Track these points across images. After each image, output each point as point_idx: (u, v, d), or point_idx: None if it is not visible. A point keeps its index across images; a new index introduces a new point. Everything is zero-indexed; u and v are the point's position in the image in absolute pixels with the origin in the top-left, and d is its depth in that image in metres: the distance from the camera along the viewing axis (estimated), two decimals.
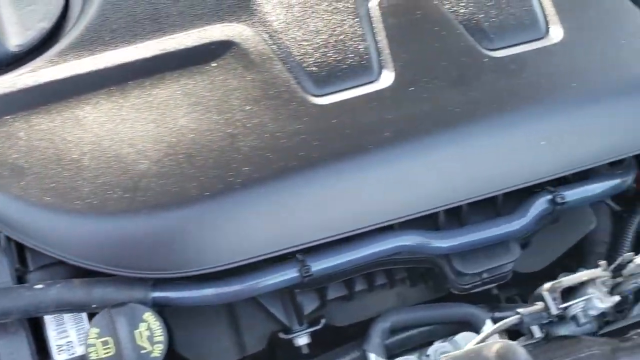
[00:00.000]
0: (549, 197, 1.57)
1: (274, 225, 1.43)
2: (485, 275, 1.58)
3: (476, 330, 1.52)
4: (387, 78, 1.54)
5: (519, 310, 1.37)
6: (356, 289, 1.67)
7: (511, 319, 1.35)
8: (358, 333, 1.61)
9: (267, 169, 1.42)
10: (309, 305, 1.64)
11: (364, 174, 1.46)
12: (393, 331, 1.60)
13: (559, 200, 1.56)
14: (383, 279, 1.68)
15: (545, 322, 1.36)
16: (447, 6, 1.65)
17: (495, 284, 1.62)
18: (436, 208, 1.50)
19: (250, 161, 1.42)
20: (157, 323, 1.38)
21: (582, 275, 1.38)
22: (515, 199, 1.58)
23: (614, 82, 1.57)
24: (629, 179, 1.69)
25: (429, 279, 1.69)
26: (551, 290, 1.35)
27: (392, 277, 1.67)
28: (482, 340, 1.30)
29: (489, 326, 1.50)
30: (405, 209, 1.48)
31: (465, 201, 1.51)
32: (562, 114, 1.55)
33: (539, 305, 1.36)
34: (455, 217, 1.57)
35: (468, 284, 1.58)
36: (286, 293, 1.59)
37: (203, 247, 1.41)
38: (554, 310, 1.34)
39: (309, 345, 1.62)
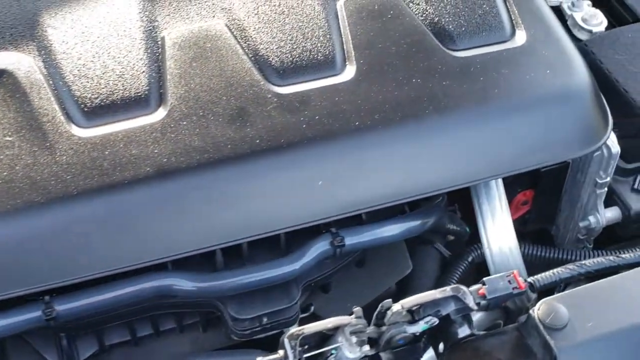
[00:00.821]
0: (330, 239, 1.50)
1: (17, 263, 1.35)
2: (265, 320, 1.50)
3: None
4: (161, 111, 1.48)
5: (258, 358, 1.28)
6: (140, 334, 1.59)
7: None
8: None
9: (10, 203, 1.35)
10: (87, 349, 1.56)
11: (121, 212, 1.39)
12: None
13: (337, 242, 1.49)
14: (172, 323, 1.60)
15: None
16: (240, 40, 1.59)
17: (280, 330, 1.54)
18: (206, 248, 1.43)
19: None
20: None
21: (327, 322, 1.31)
22: (300, 240, 1.51)
23: (399, 123, 1.50)
24: (430, 221, 1.62)
25: (223, 325, 1.61)
26: (291, 338, 1.27)
27: (181, 321, 1.59)
28: None
29: None
30: (169, 249, 1.41)
31: (238, 241, 1.44)
32: (341, 155, 1.48)
33: (280, 353, 1.28)
34: (237, 257, 1.50)
35: (247, 330, 1.50)
36: (57, 336, 1.52)
37: None
38: (292, 359, 1.26)
39: None
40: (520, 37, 1.64)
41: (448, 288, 1.35)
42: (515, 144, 1.56)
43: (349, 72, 1.56)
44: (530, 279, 1.40)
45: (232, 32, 1.60)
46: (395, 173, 1.50)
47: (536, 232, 2.00)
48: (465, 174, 1.54)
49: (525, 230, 2.00)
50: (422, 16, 1.66)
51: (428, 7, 1.67)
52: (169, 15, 1.63)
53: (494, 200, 1.64)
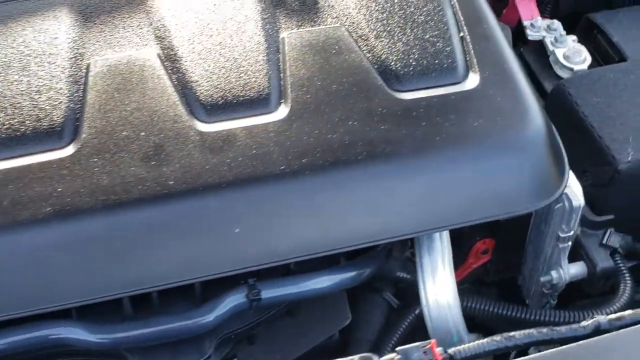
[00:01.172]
0: (246, 291, 1.40)
1: None
2: None
3: None
4: (73, 146, 1.39)
5: None
6: None
7: None
8: None
9: None
10: None
11: (18, 255, 1.30)
12: None
13: (252, 296, 1.38)
14: None
15: None
16: (170, 71, 1.50)
17: None
18: (111, 296, 1.33)
19: None
20: None
21: None
22: (216, 291, 1.42)
23: (328, 169, 1.39)
24: (367, 271, 1.52)
25: None
26: None
27: None
28: None
29: None
30: (71, 296, 1.32)
31: (146, 290, 1.35)
32: (262, 201, 1.37)
33: None
34: (147, 307, 1.41)
35: None
36: None
37: None
38: None
39: None
40: (473, 80, 1.52)
41: (356, 357, 1.24)
42: (458, 195, 1.44)
43: (283, 110, 1.46)
44: (451, 350, 1.27)
45: (163, 63, 1.51)
46: (320, 222, 1.39)
47: (506, 281, 1.89)
48: (399, 226, 1.42)
49: (488, 280, 1.89)
50: (369, 53, 1.55)
51: (377, 43, 1.56)
52: (99, 41, 1.55)
53: (435, 253, 1.52)
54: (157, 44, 1.54)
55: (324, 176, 1.39)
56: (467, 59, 1.55)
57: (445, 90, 1.50)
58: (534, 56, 2.05)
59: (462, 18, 1.61)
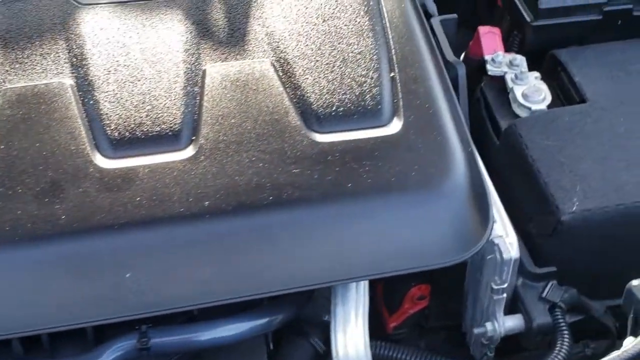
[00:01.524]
0: (136, 339, 1.34)
1: None
2: None
3: None
4: None
5: None
6: None
7: None
8: None
9: None
10: None
11: None
12: None
13: (141, 344, 1.33)
14: None
15: None
16: (80, 102, 1.44)
17: None
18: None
19: None
20: None
21: None
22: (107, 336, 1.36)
23: (230, 213, 1.32)
24: (279, 318, 1.45)
25: None
26: None
27: None
28: None
29: None
30: None
31: (32, 332, 1.30)
32: (155, 245, 1.31)
33: None
34: (38, 349, 1.36)
35: None
36: None
37: None
38: None
39: None
40: (396, 125, 1.44)
41: None
42: (369, 246, 1.37)
43: (192, 149, 1.40)
44: None
45: (75, 93, 1.46)
46: (219, 269, 1.32)
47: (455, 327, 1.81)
48: (306, 275, 1.35)
49: (428, 326, 1.81)
50: (292, 90, 1.48)
51: (302, 81, 1.49)
52: (14, 69, 1.50)
53: (349, 303, 1.44)
54: (73, 73, 1.49)
55: (225, 220, 1.33)
56: (395, 101, 1.47)
57: (366, 133, 1.43)
58: (494, 93, 1.96)
59: (395, 57, 1.54)
